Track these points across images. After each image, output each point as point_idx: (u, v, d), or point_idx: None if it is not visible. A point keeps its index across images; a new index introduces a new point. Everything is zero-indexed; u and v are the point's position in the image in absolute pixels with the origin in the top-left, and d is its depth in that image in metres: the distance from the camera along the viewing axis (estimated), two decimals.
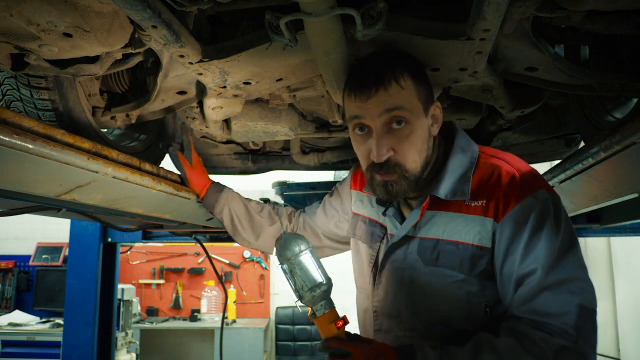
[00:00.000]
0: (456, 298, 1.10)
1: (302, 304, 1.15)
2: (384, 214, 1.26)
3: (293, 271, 1.13)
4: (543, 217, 1.02)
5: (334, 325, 1.11)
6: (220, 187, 1.59)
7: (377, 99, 1.06)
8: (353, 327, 1.16)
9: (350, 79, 1.12)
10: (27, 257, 5.67)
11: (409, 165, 1.10)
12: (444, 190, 1.11)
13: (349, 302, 1.38)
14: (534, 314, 1.00)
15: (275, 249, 1.18)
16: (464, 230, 1.09)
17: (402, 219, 1.23)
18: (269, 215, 1.59)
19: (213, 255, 6.06)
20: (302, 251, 1.14)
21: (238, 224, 1.57)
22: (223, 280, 5.94)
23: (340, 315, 1.14)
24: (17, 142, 0.81)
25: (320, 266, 1.15)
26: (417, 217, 1.14)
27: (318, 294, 1.12)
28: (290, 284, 1.15)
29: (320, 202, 1.59)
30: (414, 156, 1.10)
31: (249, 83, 1.28)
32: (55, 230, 5.78)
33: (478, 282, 1.08)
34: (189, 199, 1.55)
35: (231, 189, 1.62)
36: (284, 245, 1.15)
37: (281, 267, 1.17)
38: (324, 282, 1.13)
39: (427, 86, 1.12)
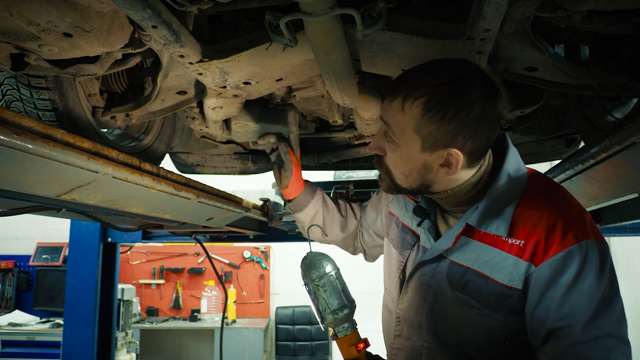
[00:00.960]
0: (477, 329, 1.07)
1: (324, 325, 1.15)
2: (419, 225, 1.21)
3: (317, 293, 1.12)
4: (585, 269, 0.96)
5: (355, 348, 1.11)
6: (314, 188, 1.53)
7: (387, 106, 1.06)
8: (374, 329, 1.15)
9: None
10: (27, 257, 5.67)
11: (393, 176, 1.10)
12: (480, 220, 1.05)
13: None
14: None
15: (300, 269, 1.17)
16: (497, 267, 1.03)
17: (437, 233, 1.18)
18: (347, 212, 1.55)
19: (213, 255, 6.06)
20: (327, 273, 1.13)
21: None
22: (223, 280, 5.93)
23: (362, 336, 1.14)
24: (17, 142, 0.81)
25: (345, 288, 1.14)
26: (449, 243, 1.10)
27: (340, 317, 1.12)
28: (312, 305, 1.15)
29: (369, 200, 1.54)
30: (397, 173, 1.09)
31: (249, 83, 1.28)
32: (55, 230, 5.79)
33: (502, 318, 1.04)
34: (189, 199, 1.54)
35: (321, 190, 1.55)
36: (310, 265, 1.15)
37: (305, 287, 1.15)
38: (347, 305, 1.12)
39: (441, 128, 0.98)
